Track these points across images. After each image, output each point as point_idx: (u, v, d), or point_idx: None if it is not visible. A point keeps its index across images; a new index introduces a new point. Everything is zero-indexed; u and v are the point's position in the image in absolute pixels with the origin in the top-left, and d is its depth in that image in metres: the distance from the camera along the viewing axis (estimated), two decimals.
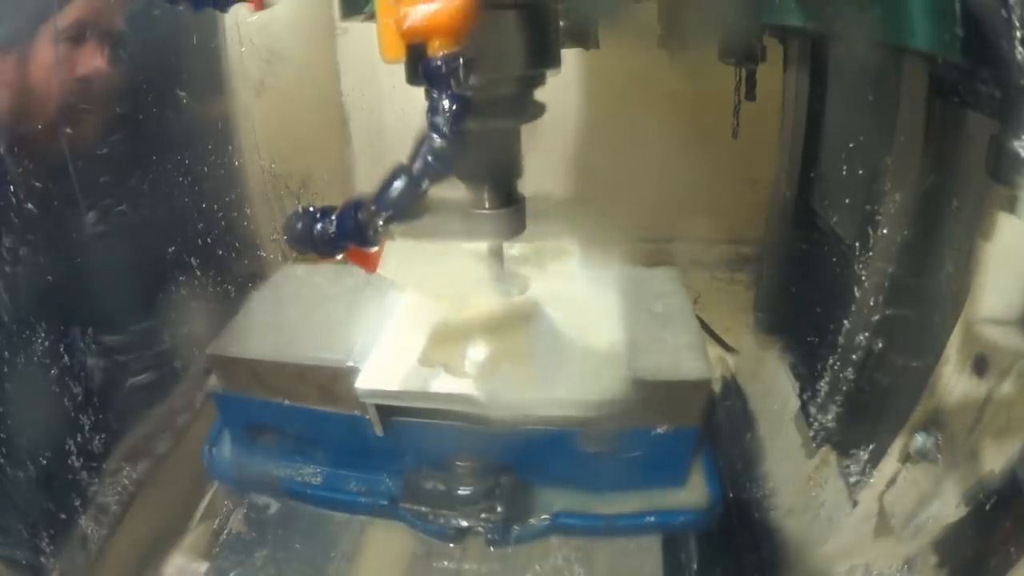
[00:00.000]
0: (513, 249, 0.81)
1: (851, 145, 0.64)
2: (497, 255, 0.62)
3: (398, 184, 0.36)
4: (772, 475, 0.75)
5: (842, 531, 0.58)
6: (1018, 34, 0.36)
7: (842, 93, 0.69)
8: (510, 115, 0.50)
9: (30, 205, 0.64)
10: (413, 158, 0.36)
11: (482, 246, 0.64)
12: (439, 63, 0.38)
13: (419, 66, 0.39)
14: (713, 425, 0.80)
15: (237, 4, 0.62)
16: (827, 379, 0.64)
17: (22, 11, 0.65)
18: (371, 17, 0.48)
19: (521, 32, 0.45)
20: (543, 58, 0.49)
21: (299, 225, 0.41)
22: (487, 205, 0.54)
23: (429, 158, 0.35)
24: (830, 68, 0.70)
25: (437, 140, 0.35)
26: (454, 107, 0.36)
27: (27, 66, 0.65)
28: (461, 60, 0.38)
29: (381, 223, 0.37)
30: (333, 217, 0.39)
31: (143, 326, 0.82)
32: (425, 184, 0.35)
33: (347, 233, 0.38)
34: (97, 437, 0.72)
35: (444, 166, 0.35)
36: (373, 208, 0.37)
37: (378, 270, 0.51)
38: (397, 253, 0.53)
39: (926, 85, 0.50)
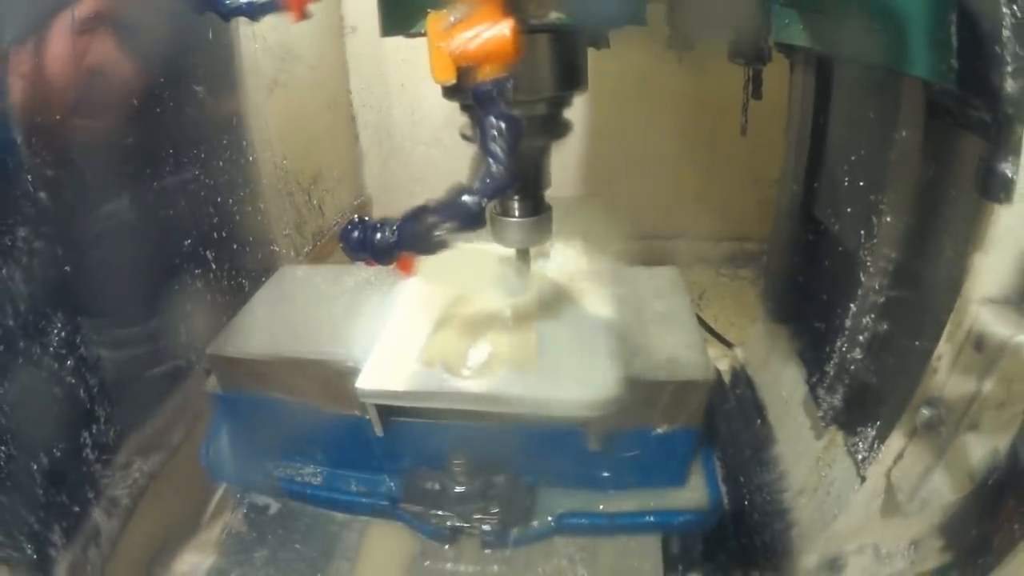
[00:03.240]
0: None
1: (853, 157, 0.68)
2: (525, 259, 0.65)
3: (461, 200, 0.39)
4: (783, 458, 0.76)
5: (850, 510, 0.59)
6: (1008, 68, 0.39)
7: (845, 108, 0.73)
8: (543, 133, 0.54)
9: (45, 197, 0.65)
10: (473, 179, 0.39)
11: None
12: (490, 87, 0.41)
13: (466, 88, 0.42)
14: (714, 424, 0.81)
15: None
16: (834, 362, 0.66)
17: (40, 3, 0.65)
18: (415, 34, 0.51)
19: (555, 57, 0.49)
20: (574, 80, 0.53)
21: (355, 234, 0.45)
22: (517, 214, 0.58)
23: (488, 181, 0.38)
24: (834, 82, 0.74)
25: (495, 166, 0.38)
26: (508, 133, 0.39)
27: (44, 58, 0.65)
28: (510, 84, 0.41)
29: (443, 233, 0.40)
30: (395, 227, 0.42)
31: (157, 318, 0.83)
32: (485, 202, 0.39)
33: (407, 241, 0.42)
34: (112, 429, 0.73)
35: (502, 187, 0.39)
36: (436, 219, 0.40)
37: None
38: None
39: (923, 106, 0.53)
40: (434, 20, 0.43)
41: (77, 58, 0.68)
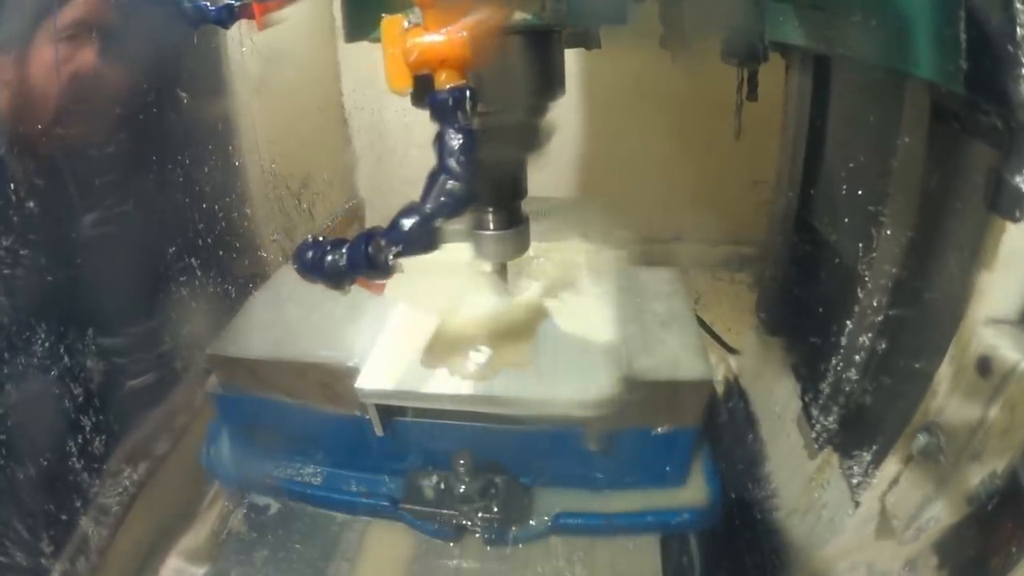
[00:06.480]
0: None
1: (851, 164, 0.65)
2: (502, 274, 0.63)
3: (411, 221, 0.36)
4: (774, 476, 0.75)
5: (844, 532, 0.58)
6: (1023, 70, 0.36)
7: (844, 111, 0.69)
8: (517, 145, 0.51)
9: (30, 205, 0.64)
10: (425, 197, 0.36)
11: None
12: (445, 96, 0.38)
13: (426, 96, 0.39)
14: (715, 425, 0.80)
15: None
16: (829, 380, 0.64)
17: (22, 10, 0.64)
18: (377, 40, 0.48)
19: (527, 62, 0.45)
20: (549, 87, 0.49)
21: (309, 255, 0.42)
22: (492, 227, 0.55)
23: (443, 199, 0.35)
24: (832, 84, 0.70)
25: (451, 183, 0.35)
26: (465, 146, 0.36)
27: (26, 65, 0.64)
28: (468, 93, 0.38)
29: (392, 256, 0.37)
30: (344, 250, 0.39)
31: (144, 326, 0.82)
32: (438, 222, 0.36)
33: (357, 265, 0.39)
34: (98, 438, 0.73)
35: (458, 206, 0.36)
36: (383, 242, 0.37)
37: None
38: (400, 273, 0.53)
39: (929, 110, 0.50)
40: (389, 25, 0.40)
41: (60, 64, 0.67)
